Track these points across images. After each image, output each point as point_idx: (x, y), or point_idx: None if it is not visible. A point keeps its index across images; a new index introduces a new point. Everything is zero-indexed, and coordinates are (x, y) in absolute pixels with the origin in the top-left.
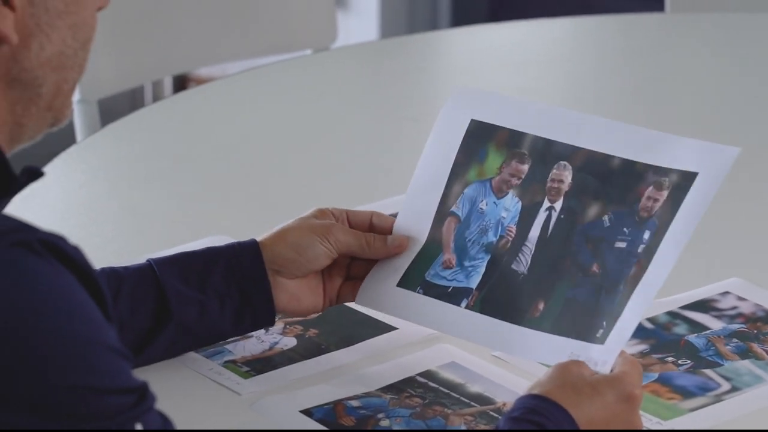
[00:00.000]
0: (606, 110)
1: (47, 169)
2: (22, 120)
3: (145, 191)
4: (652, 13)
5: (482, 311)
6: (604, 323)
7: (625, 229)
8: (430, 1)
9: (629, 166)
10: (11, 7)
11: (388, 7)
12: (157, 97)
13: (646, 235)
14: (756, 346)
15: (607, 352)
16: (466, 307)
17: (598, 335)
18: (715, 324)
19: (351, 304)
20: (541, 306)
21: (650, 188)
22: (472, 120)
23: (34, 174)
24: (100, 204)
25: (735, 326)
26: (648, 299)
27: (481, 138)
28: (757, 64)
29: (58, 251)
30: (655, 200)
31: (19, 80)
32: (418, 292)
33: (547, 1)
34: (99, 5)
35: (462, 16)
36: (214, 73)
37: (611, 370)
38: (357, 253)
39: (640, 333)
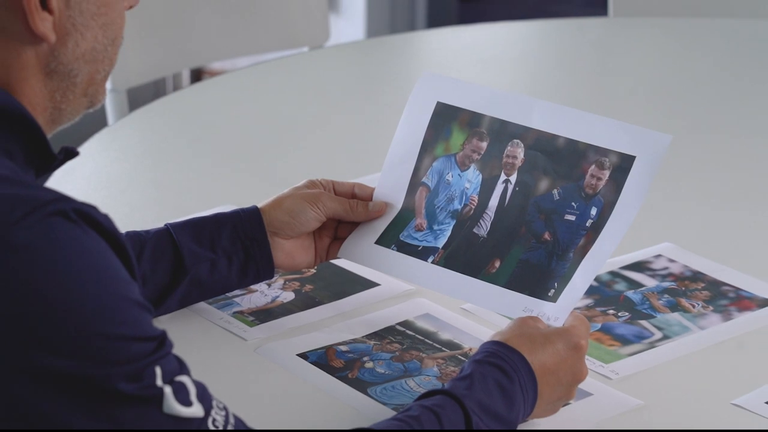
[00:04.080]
0: (554, 99)
1: (83, 149)
2: (60, 105)
3: (166, 167)
4: (596, 18)
5: (446, 266)
6: (556, 284)
7: (573, 204)
8: (409, 6)
9: (572, 144)
10: (50, 11)
11: (373, 11)
12: (176, 87)
13: (593, 211)
14: (684, 301)
15: (560, 310)
16: (433, 262)
17: (550, 294)
18: (649, 282)
19: (340, 264)
20: (497, 264)
21: (593, 166)
22: (438, 102)
23: (70, 153)
24: (127, 178)
25: (666, 284)
26: (597, 267)
27: (446, 118)
28: (686, 59)
29: (90, 219)
30: (599, 179)
31: (57, 72)
32: (393, 249)
33: (508, 7)
34: (129, 4)
35: (436, 19)
36: (225, 66)
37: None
38: (342, 216)
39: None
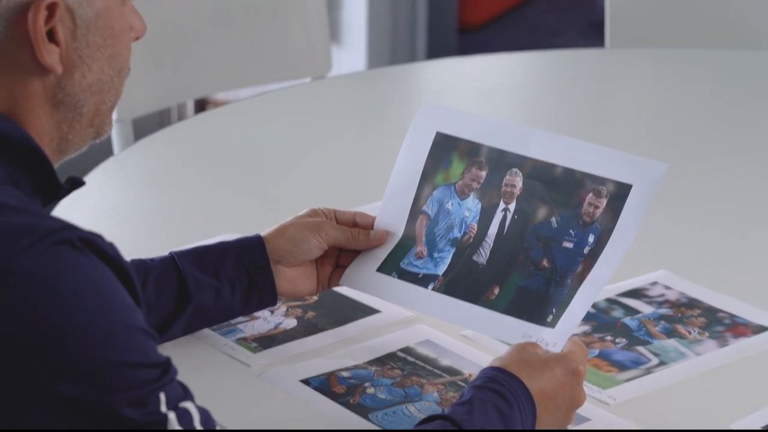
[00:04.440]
0: (552, 129)
1: (89, 178)
2: (67, 136)
3: (171, 196)
4: (593, 49)
5: (446, 293)
6: (554, 310)
7: (571, 231)
8: (410, 38)
9: (570, 173)
10: (57, 43)
11: (374, 43)
12: (181, 117)
13: (591, 238)
14: (680, 327)
15: (558, 336)
16: (433, 289)
17: (548, 320)
18: (646, 308)
19: (342, 291)
20: (496, 291)
21: (590, 195)
22: (437, 132)
23: (76, 182)
24: (133, 207)
25: (663, 311)
26: (594, 293)
27: (445, 148)
28: (681, 89)
29: (95, 247)
30: (596, 207)
31: (63, 103)
32: (393, 277)
33: (506, 39)
34: (136, 35)
35: (436, 51)
36: (229, 97)
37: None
38: (344, 245)
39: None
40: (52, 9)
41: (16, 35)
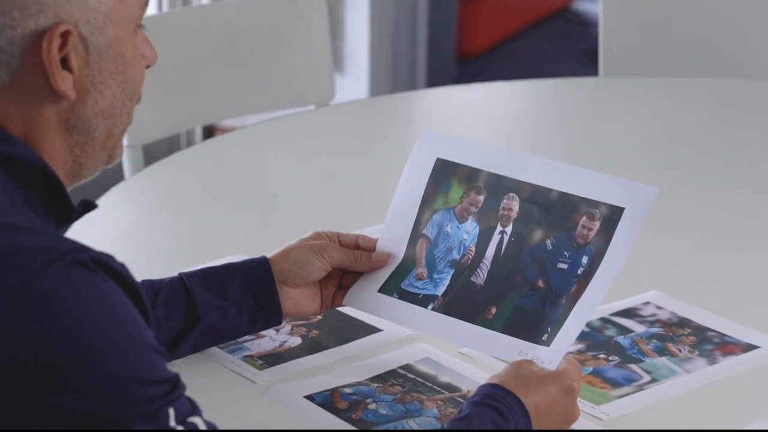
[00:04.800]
0: (548, 155)
1: (101, 201)
2: (80, 159)
3: (179, 219)
4: (587, 77)
5: (445, 313)
6: (549, 329)
7: (565, 253)
8: (410, 67)
9: (565, 197)
10: (70, 70)
11: (376, 71)
12: (190, 142)
13: (584, 259)
14: (671, 346)
15: (554, 354)
16: (432, 309)
17: (543, 338)
18: (638, 328)
19: (345, 311)
20: (493, 311)
21: (584, 218)
22: (437, 158)
23: (89, 205)
24: (143, 229)
25: (654, 330)
26: (588, 313)
27: (445, 173)
28: (673, 116)
29: (107, 268)
30: (590, 229)
31: (76, 128)
32: (395, 297)
33: (504, 67)
34: (147, 63)
35: (435, 79)
36: (236, 123)
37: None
38: (347, 266)
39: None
40: (65, 37)
41: (31, 63)
